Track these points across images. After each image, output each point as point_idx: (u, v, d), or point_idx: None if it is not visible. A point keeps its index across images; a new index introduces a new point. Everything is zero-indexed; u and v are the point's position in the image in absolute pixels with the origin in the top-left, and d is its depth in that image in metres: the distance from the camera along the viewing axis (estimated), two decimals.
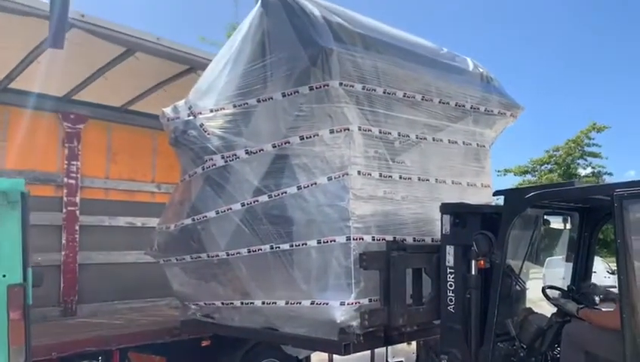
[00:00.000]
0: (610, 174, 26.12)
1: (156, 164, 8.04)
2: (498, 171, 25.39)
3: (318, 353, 5.90)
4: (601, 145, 25.54)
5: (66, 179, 7.15)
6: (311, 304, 4.28)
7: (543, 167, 27.02)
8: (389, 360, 6.72)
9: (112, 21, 5.70)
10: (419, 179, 4.77)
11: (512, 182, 27.23)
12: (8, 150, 6.58)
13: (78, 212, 7.22)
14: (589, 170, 26.17)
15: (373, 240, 4.30)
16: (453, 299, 4.30)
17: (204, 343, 5.80)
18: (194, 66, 6.48)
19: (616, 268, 3.59)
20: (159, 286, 6.49)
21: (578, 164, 26.14)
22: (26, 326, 3.52)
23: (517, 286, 4.56)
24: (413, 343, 6.11)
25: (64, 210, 7.12)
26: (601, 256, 18.34)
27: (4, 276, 3.41)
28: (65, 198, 7.13)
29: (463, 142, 5.18)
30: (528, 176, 27.24)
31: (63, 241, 7.06)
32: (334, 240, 4.19)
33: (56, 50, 4.83)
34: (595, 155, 25.81)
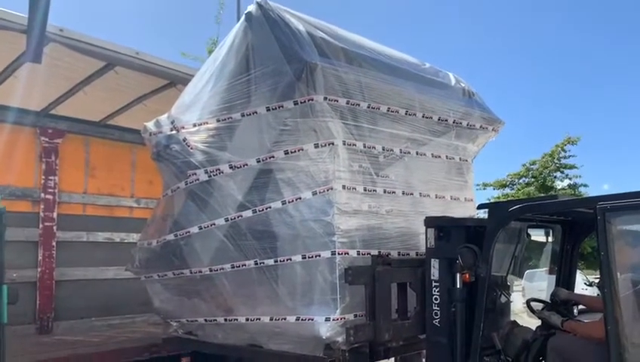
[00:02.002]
0: (585, 185, 26.45)
1: (135, 179, 7.97)
2: (478, 185, 25.59)
3: None
4: (576, 155, 25.98)
5: (43, 195, 7.04)
6: (296, 320, 4.23)
7: (521, 180, 27.28)
8: None
9: (91, 36, 5.65)
10: (403, 193, 4.77)
11: (491, 195, 27.42)
12: None
13: (55, 227, 7.11)
14: (566, 183, 26.47)
15: (359, 254, 4.27)
16: (439, 312, 4.28)
17: (184, 360, 5.71)
18: (174, 81, 6.45)
19: (594, 279, 3.63)
20: (137, 303, 6.40)
21: (555, 177, 26.45)
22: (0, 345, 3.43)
23: (502, 299, 4.56)
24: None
25: (41, 226, 7.01)
26: (579, 268, 18.53)
27: None
28: (42, 214, 7.02)
29: (446, 157, 5.21)
30: (507, 190, 27.46)
31: (40, 257, 6.94)
32: (319, 255, 4.16)
33: (35, 64, 4.77)
34: (571, 167, 26.17)
